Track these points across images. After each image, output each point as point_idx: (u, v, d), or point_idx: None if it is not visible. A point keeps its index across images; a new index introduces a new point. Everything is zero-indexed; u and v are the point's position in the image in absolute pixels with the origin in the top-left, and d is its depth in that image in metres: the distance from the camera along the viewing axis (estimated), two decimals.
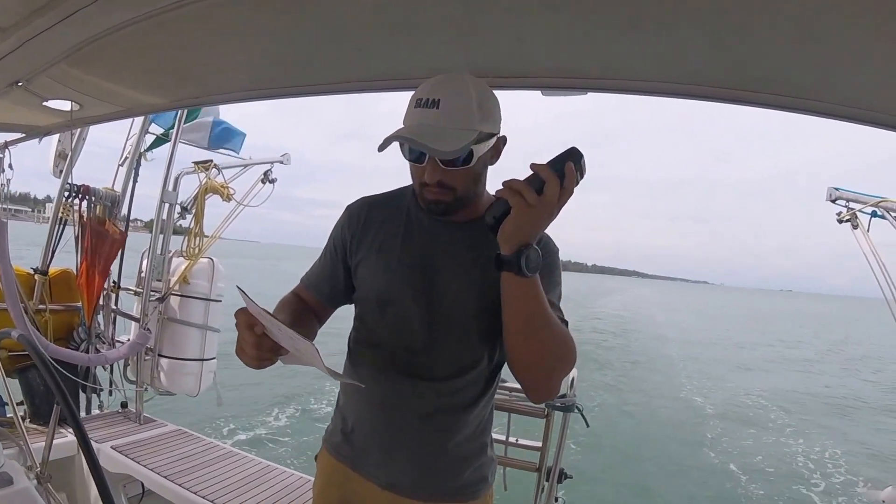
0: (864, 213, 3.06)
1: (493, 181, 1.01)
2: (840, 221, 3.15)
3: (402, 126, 0.98)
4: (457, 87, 0.96)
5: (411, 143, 0.94)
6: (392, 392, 1.09)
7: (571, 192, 0.85)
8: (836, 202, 3.18)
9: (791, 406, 12.26)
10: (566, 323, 1.01)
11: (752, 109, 1.30)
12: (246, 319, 0.90)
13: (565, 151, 0.87)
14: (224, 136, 3.71)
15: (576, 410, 1.95)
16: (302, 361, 0.93)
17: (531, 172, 0.85)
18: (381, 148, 0.95)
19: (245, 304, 0.90)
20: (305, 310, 1.19)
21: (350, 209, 1.18)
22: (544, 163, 0.85)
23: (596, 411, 9.17)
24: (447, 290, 1.05)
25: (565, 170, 0.83)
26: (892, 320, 2.66)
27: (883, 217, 3.00)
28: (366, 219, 1.15)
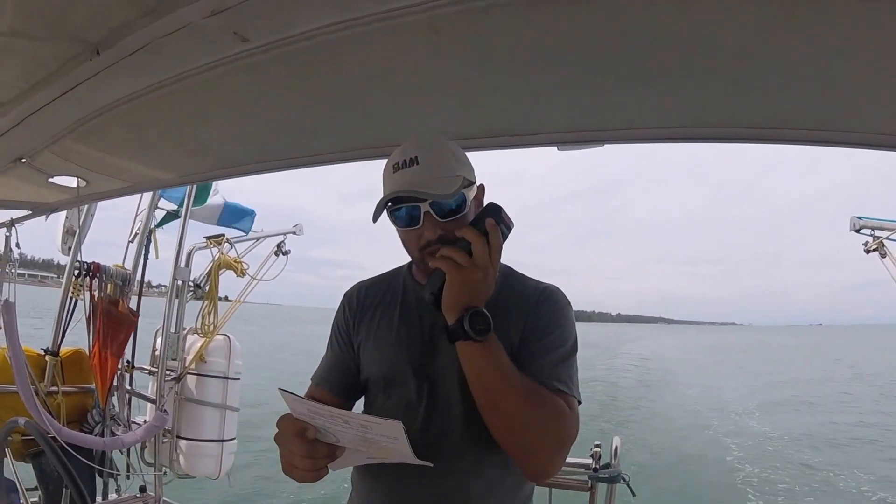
0: (891, 239, 2.89)
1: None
2: (867, 251, 2.96)
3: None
4: (430, 142, 0.99)
5: (407, 193, 0.92)
6: (396, 483, 0.97)
7: (499, 247, 0.87)
8: (861, 231, 2.99)
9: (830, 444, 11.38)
10: (565, 392, 0.92)
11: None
12: (294, 427, 0.80)
13: (483, 209, 0.93)
14: (233, 217, 3.73)
15: (621, 481, 1.81)
16: (374, 454, 0.81)
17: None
18: (376, 217, 0.97)
19: (289, 409, 0.81)
20: None
21: (347, 294, 1.18)
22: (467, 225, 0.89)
23: (641, 478, 8.42)
24: (449, 366, 0.97)
25: (486, 226, 0.86)
26: None
27: None
28: (364, 301, 1.14)
